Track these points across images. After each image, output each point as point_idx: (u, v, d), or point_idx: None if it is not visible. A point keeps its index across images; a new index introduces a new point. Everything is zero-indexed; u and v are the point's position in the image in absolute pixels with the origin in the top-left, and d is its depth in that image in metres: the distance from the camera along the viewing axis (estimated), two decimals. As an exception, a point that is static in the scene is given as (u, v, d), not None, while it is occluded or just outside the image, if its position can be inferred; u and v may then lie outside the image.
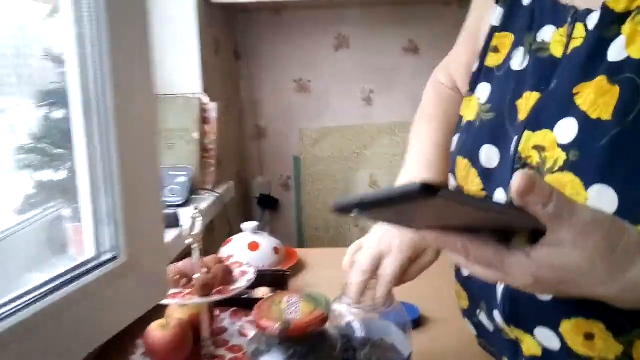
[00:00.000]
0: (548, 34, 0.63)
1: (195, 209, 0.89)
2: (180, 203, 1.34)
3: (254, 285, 1.04)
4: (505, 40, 0.70)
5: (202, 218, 0.89)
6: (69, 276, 0.66)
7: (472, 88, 0.73)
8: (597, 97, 0.55)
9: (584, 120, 0.55)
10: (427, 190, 0.37)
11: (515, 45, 0.68)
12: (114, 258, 0.72)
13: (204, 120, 1.53)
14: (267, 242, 1.24)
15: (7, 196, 0.96)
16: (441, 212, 0.45)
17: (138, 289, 0.75)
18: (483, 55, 0.73)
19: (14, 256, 0.91)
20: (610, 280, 0.45)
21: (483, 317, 0.68)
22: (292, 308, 0.69)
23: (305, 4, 1.93)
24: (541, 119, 0.59)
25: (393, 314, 0.75)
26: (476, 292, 0.69)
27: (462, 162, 0.69)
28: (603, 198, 0.51)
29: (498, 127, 0.65)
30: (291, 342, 0.66)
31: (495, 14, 0.72)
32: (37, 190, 0.96)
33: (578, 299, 0.50)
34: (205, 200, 1.42)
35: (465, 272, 0.72)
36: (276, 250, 1.24)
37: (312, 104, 2.12)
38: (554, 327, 0.58)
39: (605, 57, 0.56)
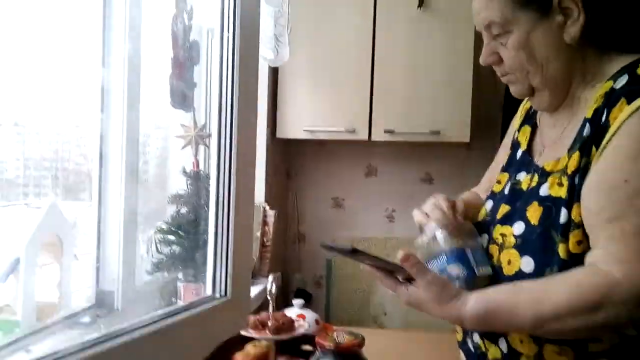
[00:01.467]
0: (521, 176, 1.03)
1: (273, 275, 1.33)
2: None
3: (302, 342, 1.45)
4: (504, 177, 1.11)
5: (275, 282, 1.33)
6: (194, 305, 1.09)
7: (485, 203, 1.13)
8: (533, 212, 0.94)
9: (527, 224, 0.94)
10: (354, 251, 0.90)
11: (508, 181, 1.07)
12: (224, 296, 1.14)
13: (264, 223, 2.00)
14: (310, 315, 1.66)
15: (145, 262, 1.39)
16: (366, 259, 0.96)
17: (233, 316, 1.16)
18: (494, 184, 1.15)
19: (146, 300, 1.33)
20: (440, 307, 0.90)
21: (469, 342, 1.06)
22: (340, 337, 1.11)
23: (345, 141, 2.34)
24: (507, 220, 0.99)
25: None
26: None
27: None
28: (528, 263, 0.92)
29: (489, 223, 1.05)
30: (339, 354, 1.07)
31: (505, 159, 1.15)
32: (166, 259, 1.40)
33: None
34: (264, 283, 1.84)
35: None
36: (317, 321, 1.65)
37: (344, 218, 2.57)
38: (506, 336, 0.96)
39: (538, 192, 0.95)
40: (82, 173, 1.23)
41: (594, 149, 0.87)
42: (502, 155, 1.20)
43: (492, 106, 2.40)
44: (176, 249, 1.40)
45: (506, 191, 1.07)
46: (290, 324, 1.32)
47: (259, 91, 1.98)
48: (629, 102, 0.84)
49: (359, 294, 2.54)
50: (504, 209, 1.03)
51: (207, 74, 1.49)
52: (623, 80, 0.89)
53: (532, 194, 0.97)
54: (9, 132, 1.16)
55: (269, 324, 1.28)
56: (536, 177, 0.99)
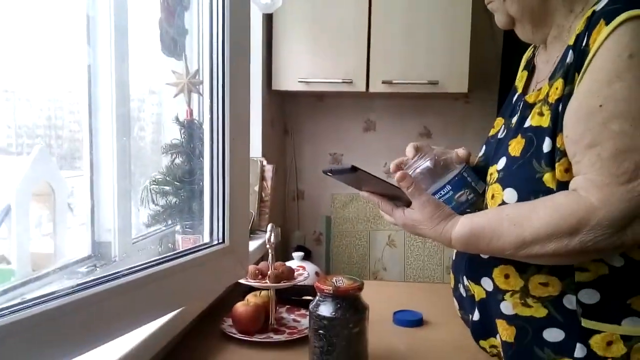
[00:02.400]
0: (514, 118, 1.03)
1: (272, 225, 1.30)
2: (244, 237, 1.75)
3: (303, 293, 1.44)
4: (499, 121, 1.12)
5: (275, 232, 1.30)
6: (192, 250, 1.07)
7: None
8: (515, 145, 0.95)
9: (508, 157, 0.96)
10: (353, 168, 0.91)
11: (503, 125, 1.10)
12: (221, 242, 1.13)
13: (262, 177, 1.97)
14: (311, 267, 1.65)
15: (142, 215, 1.37)
16: (365, 182, 0.98)
17: (232, 264, 1.16)
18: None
19: (145, 252, 1.31)
20: (433, 229, 0.95)
21: (460, 289, 1.08)
22: (339, 281, 1.09)
23: (342, 93, 2.33)
24: (495, 159, 1.01)
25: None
26: (455, 271, 1.10)
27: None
28: (511, 194, 0.92)
29: (485, 168, 1.06)
30: (338, 298, 1.05)
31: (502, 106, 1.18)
32: (162, 210, 1.38)
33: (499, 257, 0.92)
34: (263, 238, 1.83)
35: (453, 257, 1.12)
36: (317, 273, 1.64)
37: (343, 173, 2.56)
38: (489, 275, 0.97)
39: (523, 125, 0.96)
40: (77, 140, 1.20)
41: (576, 74, 0.86)
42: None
43: (490, 59, 2.37)
44: (172, 199, 1.38)
45: (500, 135, 1.07)
46: (290, 272, 1.30)
47: (253, 41, 1.95)
48: (607, 23, 0.82)
49: (358, 250, 2.54)
50: (494, 151, 1.05)
51: (198, 21, 1.45)
52: (603, 3, 0.86)
53: (517, 128, 0.98)
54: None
55: (269, 273, 1.26)
56: (521, 112, 1.00)
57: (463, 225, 0.93)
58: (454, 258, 1.14)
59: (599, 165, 0.80)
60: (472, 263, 1.02)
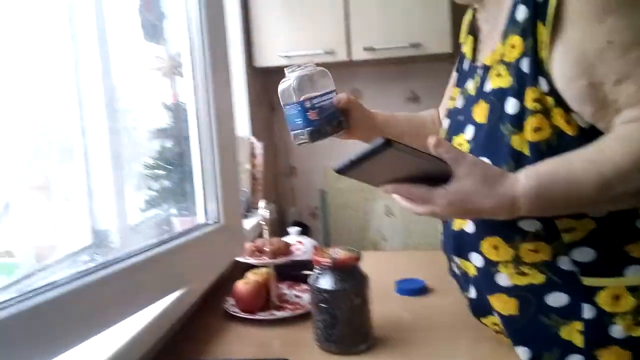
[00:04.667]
0: (469, 84, 1.00)
1: (265, 202, 1.31)
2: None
3: (302, 268, 1.45)
4: (456, 91, 1.09)
5: (269, 210, 1.31)
6: (188, 232, 1.08)
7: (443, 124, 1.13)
8: (480, 111, 0.91)
9: (475, 125, 0.92)
10: (387, 142, 0.71)
11: (460, 95, 1.05)
12: (217, 222, 1.13)
13: (252, 156, 1.97)
14: (308, 241, 1.65)
15: (137, 200, 1.36)
16: (394, 164, 0.77)
17: (228, 243, 1.16)
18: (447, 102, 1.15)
19: (143, 237, 1.32)
20: (489, 193, 0.77)
21: (454, 267, 1.04)
22: (337, 253, 1.09)
23: (325, 64, 2.38)
24: (459, 129, 0.97)
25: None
26: (445, 250, 1.05)
27: None
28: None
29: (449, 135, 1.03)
30: (337, 270, 1.06)
31: (454, 77, 1.15)
32: (157, 195, 1.38)
33: (486, 226, 0.87)
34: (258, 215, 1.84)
35: (441, 237, 1.07)
36: (315, 247, 1.65)
37: (334, 145, 2.55)
38: (477, 249, 0.91)
39: (483, 90, 0.92)
40: (72, 135, 1.19)
41: (539, 26, 0.82)
42: (455, 74, 1.18)
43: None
44: (165, 183, 1.38)
45: (459, 104, 1.04)
46: (287, 248, 1.31)
47: (230, 19, 1.93)
48: None
49: (356, 221, 2.55)
50: (457, 122, 1.01)
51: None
52: None
53: (477, 94, 0.94)
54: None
55: (266, 249, 1.27)
56: (477, 77, 0.96)
57: (528, 177, 0.78)
58: (442, 238, 1.06)
59: None
60: (459, 239, 0.96)
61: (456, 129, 0.99)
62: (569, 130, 0.82)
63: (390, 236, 2.55)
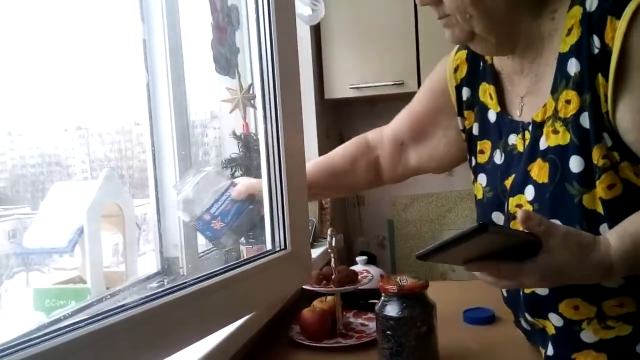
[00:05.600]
0: (513, 139, 0.94)
1: (331, 229, 1.32)
2: (307, 245, 1.78)
3: (369, 297, 1.45)
4: (486, 145, 1.03)
5: (337, 238, 1.32)
6: (256, 258, 1.10)
7: (475, 179, 1.05)
8: (538, 171, 0.87)
9: (536, 185, 0.88)
10: (483, 227, 0.67)
11: (493, 148, 1.00)
12: (283, 249, 1.15)
13: (321, 185, 1.99)
14: (375, 270, 1.65)
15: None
16: (484, 245, 0.73)
17: (294, 270, 1.18)
18: (474, 156, 1.06)
19: (211, 265, 1.35)
20: (583, 263, 0.75)
21: (522, 323, 1.01)
22: (404, 280, 1.09)
23: (394, 96, 2.31)
24: (517, 190, 0.91)
25: None
26: (511, 306, 1.02)
27: None
28: None
29: (496, 199, 0.97)
30: (404, 297, 1.05)
31: (475, 128, 1.05)
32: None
33: (564, 288, 0.83)
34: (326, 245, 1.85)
35: (504, 292, 1.04)
36: (382, 275, 1.64)
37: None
38: (556, 310, 0.88)
39: (539, 147, 0.88)
40: (146, 169, 1.26)
41: (600, 79, 0.79)
42: (429, 100, 1.14)
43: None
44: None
45: (499, 160, 0.99)
46: (354, 276, 1.31)
47: (302, 52, 1.98)
48: (618, 17, 0.76)
49: (424, 251, 2.51)
50: (507, 179, 0.95)
51: (249, 38, 1.50)
52: (593, 0, 0.80)
53: (532, 152, 0.90)
54: (73, 135, 1.21)
55: (332, 277, 1.28)
56: (528, 134, 0.91)
57: (619, 238, 0.75)
58: (504, 293, 1.02)
59: None
60: (531, 301, 0.92)
61: (513, 189, 0.93)
62: (639, 182, 0.80)
63: (459, 267, 2.48)
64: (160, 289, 0.90)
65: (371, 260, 2.50)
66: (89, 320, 0.72)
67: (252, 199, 1.16)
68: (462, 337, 1.24)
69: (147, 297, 0.85)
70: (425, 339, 1.05)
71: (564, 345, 0.91)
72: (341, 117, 2.57)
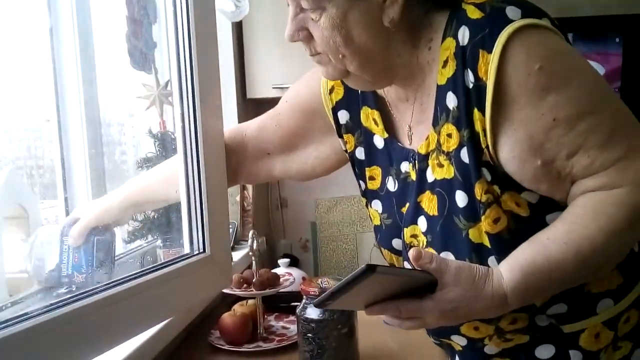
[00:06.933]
0: (405, 166, 0.91)
1: (253, 232, 1.29)
2: (228, 248, 1.73)
3: (291, 300, 1.42)
4: (376, 171, 0.97)
5: (258, 241, 1.29)
6: (173, 262, 1.05)
7: (369, 203, 1.00)
8: (428, 202, 0.86)
9: (427, 217, 0.86)
10: (370, 269, 0.64)
11: (384, 175, 0.96)
12: (202, 252, 1.11)
13: (243, 187, 1.95)
14: (297, 272, 1.63)
15: (120, 231, 1.34)
16: (377, 286, 0.72)
17: (214, 274, 1.13)
18: (363, 181, 1.01)
19: (127, 269, 1.29)
20: (479, 296, 0.74)
21: (432, 339, 1.00)
22: (325, 283, 1.08)
23: None
24: (411, 219, 0.89)
25: None
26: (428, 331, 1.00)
27: (385, 251, 0.98)
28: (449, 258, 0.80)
29: (396, 226, 0.93)
30: (325, 299, 1.04)
31: (359, 153, 0.99)
32: (141, 225, 1.36)
33: None
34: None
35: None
36: (304, 278, 1.62)
37: (324, 178, 2.54)
38: (458, 332, 0.89)
39: (427, 180, 0.86)
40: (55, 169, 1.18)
41: (476, 114, 0.77)
42: (302, 118, 1.09)
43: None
44: (151, 213, 1.36)
45: (392, 187, 0.95)
46: (275, 279, 1.29)
47: (224, 50, 1.94)
48: (489, 51, 0.75)
49: (346, 253, 2.52)
50: (402, 208, 0.92)
51: (167, 33, 1.44)
52: (464, 33, 0.78)
53: (420, 183, 0.88)
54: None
55: (253, 280, 1.25)
56: (416, 164, 0.89)
57: (510, 270, 0.76)
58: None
59: (598, 162, 0.75)
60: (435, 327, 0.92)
61: (408, 218, 0.91)
62: (522, 212, 0.80)
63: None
64: (67, 296, 0.84)
65: (294, 263, 2.49)
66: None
67: (98, 232, 1.06)
68: (383, 337, 1.24)
69: (52, 304, 0.79)
70: (346, 341, 1.05)
71: (471, 357, 0.94)
72: (264, 118, 2.53)
